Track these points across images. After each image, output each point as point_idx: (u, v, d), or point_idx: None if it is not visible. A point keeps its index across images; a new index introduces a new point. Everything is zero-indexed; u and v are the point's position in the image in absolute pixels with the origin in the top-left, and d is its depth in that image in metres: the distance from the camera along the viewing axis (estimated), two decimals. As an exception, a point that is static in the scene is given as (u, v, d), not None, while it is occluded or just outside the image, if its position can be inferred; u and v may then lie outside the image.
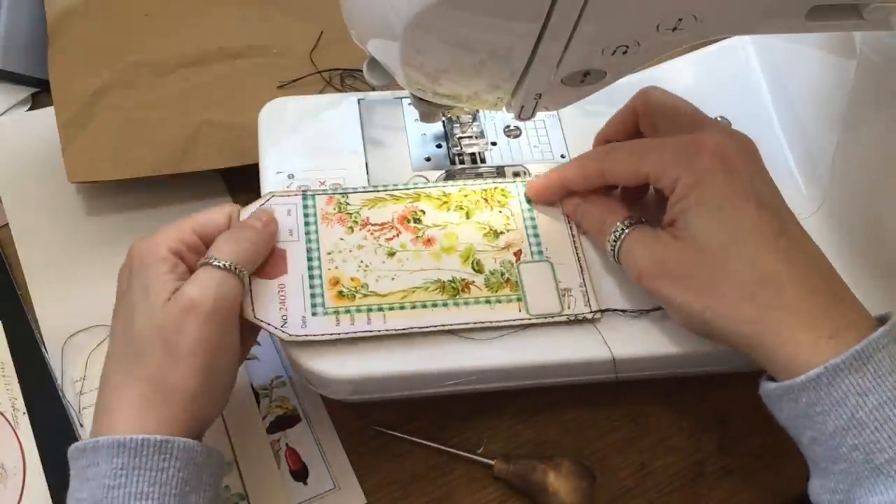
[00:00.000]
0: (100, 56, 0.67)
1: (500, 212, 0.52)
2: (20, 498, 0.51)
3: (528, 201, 0.53)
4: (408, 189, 0.53)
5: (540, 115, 0.49)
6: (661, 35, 0.41)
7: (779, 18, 0.43)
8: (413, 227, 0.51)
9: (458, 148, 0.56)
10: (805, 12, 0.41)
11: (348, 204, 0.52)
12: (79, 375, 0.55)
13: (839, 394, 0.39)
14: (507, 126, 0.58)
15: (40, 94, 0.69)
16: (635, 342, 0.48)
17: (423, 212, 0.52)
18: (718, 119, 0.54)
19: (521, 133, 0.58)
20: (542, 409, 0.55)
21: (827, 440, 0.39)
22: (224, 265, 0.45)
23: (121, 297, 0.46)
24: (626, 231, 0.47)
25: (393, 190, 0.53)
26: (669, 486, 0.53)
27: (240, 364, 0.47)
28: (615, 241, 0.48)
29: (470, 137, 0.56)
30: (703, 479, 0.53)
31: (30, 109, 0.69)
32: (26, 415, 0.53)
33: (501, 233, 0.51)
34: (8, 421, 0.53)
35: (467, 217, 0.52)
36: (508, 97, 0.47)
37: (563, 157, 0.57)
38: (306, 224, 0.50)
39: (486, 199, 0.53)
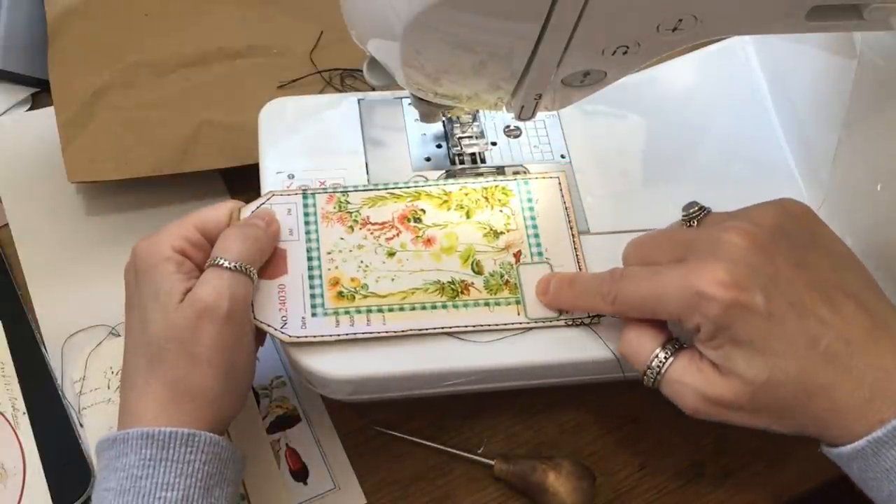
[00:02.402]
0: (100, 56, 0.67)
1: (501, 211, 0.52)
2: (20, 498, 0.51)
3: (530, 199, 0.53)
4: (408, 187, 0.53)
5: (540, 115, 0.49)
6: (661, 35, 0.41)
7: (779, 18, 0.43)
8: (413, 227, 0.51)
9: (458, 148, 0.56)
10: (805, 12, 0.41)
11: (348, 203, 0.52)
12: (79, 375, 0.55)
13: (887, 464, 0.39)
14: (507, 126, 0.58)
15: (40, 94, 0.69)
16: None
17: (424, 211, 0.52)
18: (692, 213, 0.47)
19: (521, 133, 0.58)
20: (542, 409, 0.55)
21: (886, 501, 0.40)
22: (234, 266, 0.45)
23: (130, 298, 0.47)
24: (667, 363, 0.43)
25: (393, 188, 0.53)
26: (669, 487, 0.53)
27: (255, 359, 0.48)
28: (655, 375, 0.44)
29: (470, 137, 0.56)
30: (702, 479, 0.53)
31: (30, 109, 0.69)
32: (26, 415, 0.53)
33: (501, 233, 0.51)
34: (8, 421, 0.53)
35: (468, 216, 0.52)
36: (509, 97, 0.47)
37: (563, 157, 0.57)
38: (306, 223, 0.50)
39: (486, 198, 0.53)
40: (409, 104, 0.57)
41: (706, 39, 0.47)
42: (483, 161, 0.56)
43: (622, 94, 0.55)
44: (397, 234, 0.51)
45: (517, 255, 0.50)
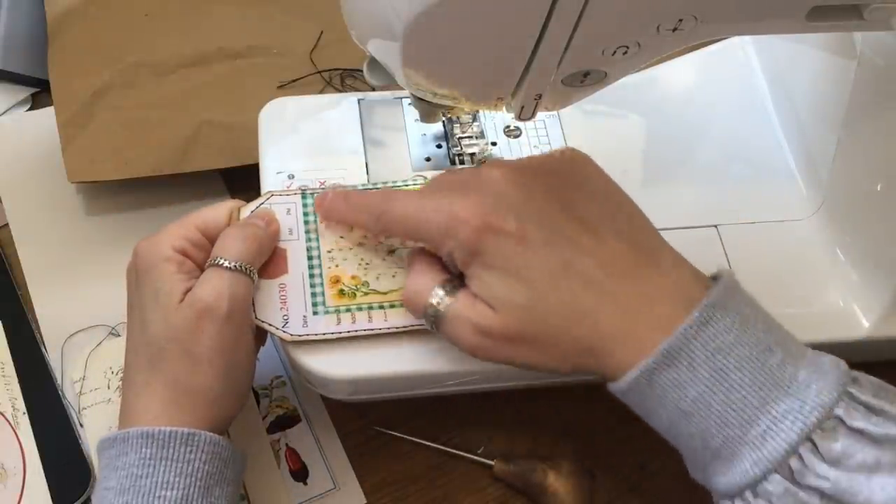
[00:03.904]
0: (100, 56, 0.67)
1: None
2: (20, 498, 0.51)
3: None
4: (407, 185, 0.53)
5: (540, 115, 0.49)
6: (661, 35, 0.41)
7: (779, 18, 0.43)
8: None
9: (458, 148, 0.56)
10: (805, 12, 0.41)
11: None
12: (79, 375, 0.55)
13: (660, 390, 0.39)
14: (507, 126, 0.58)
15: (40, 94, 0.69)
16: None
17: None
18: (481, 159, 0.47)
19: (521, 133, 0.58)
20: (542, 409, 0.55)
21: (666, 430, 0.41)
22: (234, 265, 0.45)
23: (131, 298, 0.47)
24: (445, 301, 0.43)
25: (392, 186, 0.53)
26: (669, 487, 0.53)
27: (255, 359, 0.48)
28: (434, 315, 0.43)
29: (470, 137, 0.56)
30: (703, 479, 0.53)
31: (30, 109, 0.69)
32: (26, 415, 0.53)
33: None
34: (8, 421, 0.53)
35: None
36: (509, 97, 0.47)
37: (563, 157, 0.57)
38: (306, 223, 0.50)
39: None
40: (409, 104, 0.57)
41: (706, 39, 0.47)
42: (483, 161, 0.56)
43: (622, 94, 0.55)
44: None
45: None
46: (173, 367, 0.43)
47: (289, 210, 0.51)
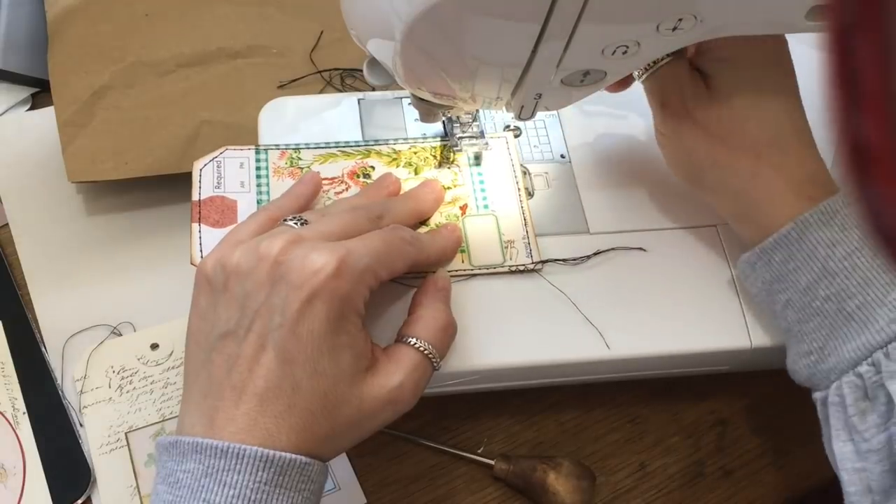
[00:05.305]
0: (100, 56, 0.67)
1: (449, 168, 0.54)
2: (20, 498, 0.51)
3: (476, 157, 0.54)
4: (359, 146, 0.54)
5: (540, 114, 0.49)
6: (661, 35, 0.41)
7: (779, 18, 0.43)
8: (362, 183, 0.52)
9: (458, 148, 0.56)
10: (805, 12, 0.41)
11: (300, 159, 0.53)
12: (79, 375, 0.55)
13: (809, 246, 0.41)
14: (507, 126, 0.58)
15: (40, 94, 0.69)
16: (636, 343, 0.49)
17: (373, 168, 0.53)
18: None
19: (521, 133, 0.58)
20: (542, 409, 0.55)
21: (800, 297, 0.42)
22: (425, 350, 0.43)
23: (304, 339, 0.39)
24: (667, 58, 0.47)
25: (345, 147, 0.54)
26: (669, 487, 0.53)
27: None
28: (654, 62, 0.47)
29: (470, 137, 0.56)
30: (702, 479, 0.53)
31: (30, 109, 0.69)
32: (26, 415, 0.53)
33: (449, 188, 0.53)
34: (8, 421, 0.53)
35: (416, 173, 0.53)
36: (508, 97, 0.47)
37: (562, 156, 0.57)
38: (258, 177, 0.52)
39: (434, 156, 0.54)
40: (409, 104, 0.57)
41: (706, 39, 0.47)
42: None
43: (622, 94, 0.55)
44: (346, 189, 0.52)
45: (464, 208, 0.52)
46: (329, 426, 0.40)
47: (241, 164, 0.52)
